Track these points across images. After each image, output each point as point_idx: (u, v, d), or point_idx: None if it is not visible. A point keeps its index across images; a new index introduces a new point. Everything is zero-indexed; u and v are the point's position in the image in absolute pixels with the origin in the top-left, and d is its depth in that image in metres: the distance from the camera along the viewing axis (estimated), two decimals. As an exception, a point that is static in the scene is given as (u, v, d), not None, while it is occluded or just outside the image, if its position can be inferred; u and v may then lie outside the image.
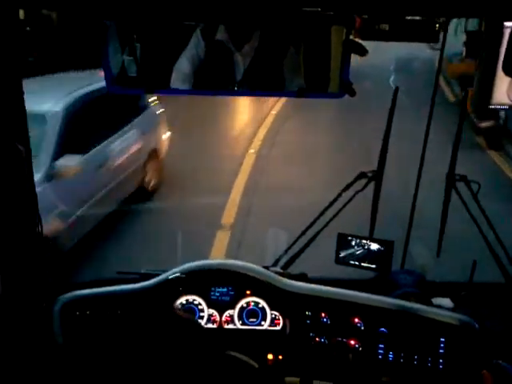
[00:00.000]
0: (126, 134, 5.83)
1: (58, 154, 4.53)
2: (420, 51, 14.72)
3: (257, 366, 1.70)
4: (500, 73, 1.45)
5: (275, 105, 11.29)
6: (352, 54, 1.40)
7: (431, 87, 2.57)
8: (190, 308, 1.84)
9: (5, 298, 1.56)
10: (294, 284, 1.84)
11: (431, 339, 1.72)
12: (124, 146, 5.71)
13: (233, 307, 1.84)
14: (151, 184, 6.44)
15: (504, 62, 1.41)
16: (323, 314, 1.80)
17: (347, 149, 8.26)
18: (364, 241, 2.23)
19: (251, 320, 1.84)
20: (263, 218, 5.71)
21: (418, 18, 1.46)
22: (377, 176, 2.37)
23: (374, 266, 2.23)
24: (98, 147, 5.22)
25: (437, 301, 2.01)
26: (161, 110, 6.92)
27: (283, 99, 11.32)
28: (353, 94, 1.45)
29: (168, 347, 1.17)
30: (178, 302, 1.84)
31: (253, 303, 1.84)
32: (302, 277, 2.00)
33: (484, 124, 8.66)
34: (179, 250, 3.39)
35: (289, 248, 2.37)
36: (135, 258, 4.40)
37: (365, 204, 2.48)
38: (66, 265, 4.13)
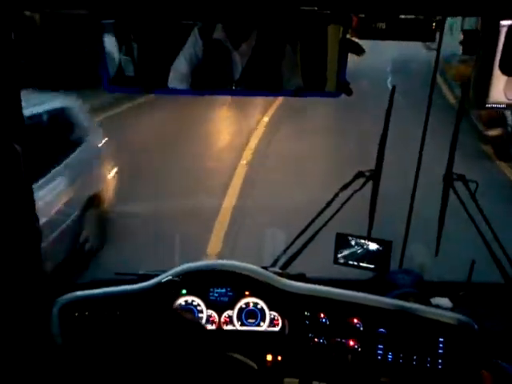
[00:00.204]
0: (53, 181, 4.27)
1: None
2: (416, 51, 14.68)
3: (256, 366, 1.70)
4: (497, 71, 1.45)
5: (267, 111, 10.67)
6: (349, 54, 1.40)
7: (428, 87, 2.56)
8: (189, 309, 1.83)
9: (3, 300, 1.55)
10: (292, 284, 1.84)
11: (430, 339, 1.72)
12: (50, 199, 4.17)
13: (232, 308, 1.84)
14: (90, 244, 4.84)
15: (501, 60, 1.41)
16: (322, 315, 1.79)
17: (344, 162, 6.93)
18: (362, 240, 2.23)
19: (250, 321, 1.84)
20: (250, 247, 4.81)
21: (414, 16, 1.46)
22: (375, 175, 2.37)
23: (372, 265, 2.23)
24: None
25: (435, 301, 2.01)
26: (104, 141, 5.44)
27: (275, 105, 10.90)
28: (350, 93, 1.45)
29: (168, 348, 1.16)
30: (177, 302, 1.83)
31: (252, 304, 1.84)
32: (300, 277, 2.00)
33: (491, 132, 8.05)
34: (177, 251, 3.38)
35: (287, 248, 2.37)
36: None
37: (363, 203, 2.48)
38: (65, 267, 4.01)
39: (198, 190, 6.33)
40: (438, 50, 2.42)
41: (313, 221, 2.43)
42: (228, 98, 8.58)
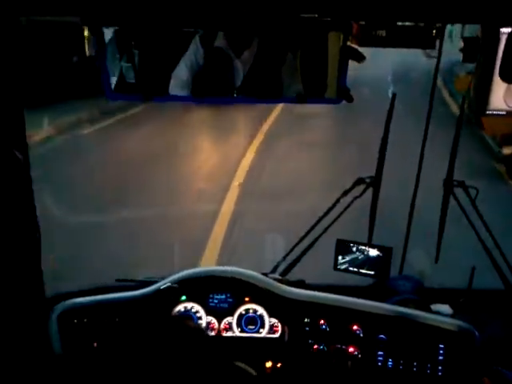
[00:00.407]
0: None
1: None
2: (416, 59, 14.68)
3: (255, 373, 1.69)
4: (497, 78, 1.46)
5: (266, 120, 10.35)
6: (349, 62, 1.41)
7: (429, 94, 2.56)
8: (188, 315, 1.83)
9: (2, 306, 1.55)
10: (292, 291, 1.83)
11: (430, 346, 1.72)
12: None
13: (231, 314, 1.83)
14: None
15: (501, 67, 1.42)
16: (322, 321, 1.79)
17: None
18: (362, 247, 2.23)
19: (250, 327, 1.83)
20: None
21: (414, 24, 1.47)
22: (375, 182, 2.37)
23: (372, 272, 2.23)
24: None
25: (436, 307, 2.01)
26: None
27: (274, 114, 10.73)
28: (350, 99, 1.45)
29: (168, 355, 1.16)
30: (177, 309, 1.83)
31: (251, 310, 1.84)
32: (300, 283, 1.99)
33: (506, 150, 7.57)
34: (176, 258, 3.37)
35: (287, 255, 2.36)
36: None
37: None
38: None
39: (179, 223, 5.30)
40: (439, 57, 2.43)
41: (313, 227, 2.43)
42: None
